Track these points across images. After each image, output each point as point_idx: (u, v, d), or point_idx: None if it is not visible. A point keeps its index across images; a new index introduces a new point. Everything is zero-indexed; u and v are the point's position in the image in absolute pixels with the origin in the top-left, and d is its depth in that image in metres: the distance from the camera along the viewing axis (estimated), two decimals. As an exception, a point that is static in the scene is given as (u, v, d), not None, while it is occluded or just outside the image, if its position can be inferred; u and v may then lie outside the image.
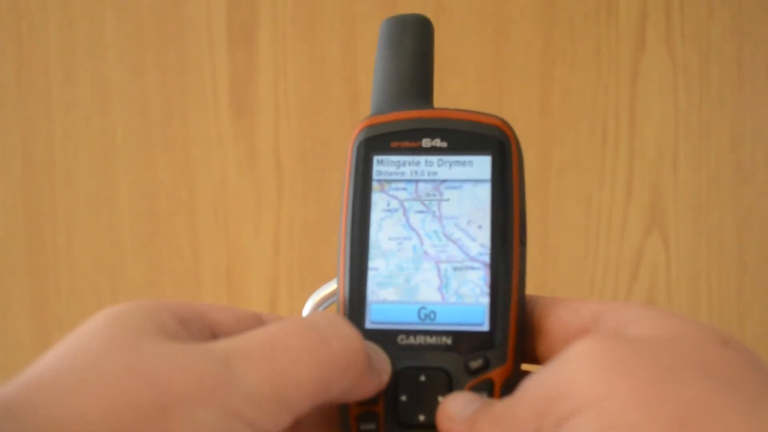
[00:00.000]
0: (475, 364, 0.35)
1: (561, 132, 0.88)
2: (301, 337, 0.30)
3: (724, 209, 0.87)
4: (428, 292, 0.36)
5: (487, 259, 0.36)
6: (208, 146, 0.91)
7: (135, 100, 0.91)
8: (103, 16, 0.91)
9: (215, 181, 0.91)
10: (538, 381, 0.29)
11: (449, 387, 0.34)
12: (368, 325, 0.36)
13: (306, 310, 0.43)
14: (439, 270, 0.36)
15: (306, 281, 0.91)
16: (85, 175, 0.92)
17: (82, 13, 0.91)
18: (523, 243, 0.36)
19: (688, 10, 0.86)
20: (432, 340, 0.35)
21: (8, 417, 0.24)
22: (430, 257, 0.36)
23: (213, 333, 0.33)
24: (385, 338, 0.35)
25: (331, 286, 0.43)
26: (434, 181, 0.37)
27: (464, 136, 0.37)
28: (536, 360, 0.36)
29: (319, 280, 0.90)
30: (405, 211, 0.37)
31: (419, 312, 0.36)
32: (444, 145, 0.37)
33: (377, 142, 0.38)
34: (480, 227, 0.36)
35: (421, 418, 0.34)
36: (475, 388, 0.34)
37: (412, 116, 0.38)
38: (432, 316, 0.36)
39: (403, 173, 0.37)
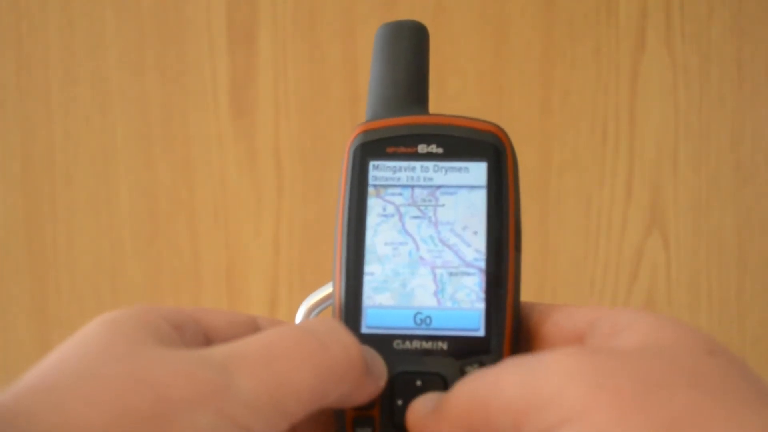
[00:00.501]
0: (470, 369, 0.35)
1: (561, 132, 0.88)
2: (298, 342, 0.30)
3: (724, 209, 0.87)
4: (424, 298, 0.36)
5: (482, 264, 0.36)
6: (208, 146, 0.91)
7: (135, 100, 0.91)
8: (103, 16, 0.91)
9: (215, 181, 0.91)
10: (519, 381, 0.29)
11: (445, 392, 0.34)
12: (364, 329, 0.36)
13: (299, 315, 0.43)
14: (434, 275, 0.36)
15: (306, 281, 0.91)
16: (85, 175, 0.92)
17: (82, 13, 0.91)
18: (518, 249, 0.36)
19: (688, 10, 0.86)
20: (428, 345, 0.35)
21: (5, 423, 0.24)
22: (425, 262, 0.36)
23: (207, 338, 0.33)
24: (380, 343, 0.35)
25: (325, 291, 0.43)
26: (430, 186, 0.37)
27: (460, 142, 0.37)
28: None
29: (319, 280, 0.91)
30: (401, 217, 0.37)
31: (415, 317, 0.36)
32: (440, 151, 0.38)
33: (373, 147, 0.38)
34: (475, 233, 0.36)
35: None
36: None
37: (408, 122, 0.38)
38: (428, 321, 0.36)
39: (399, 179, 0.37)
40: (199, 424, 0.26)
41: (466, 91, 0.88)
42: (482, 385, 0.30)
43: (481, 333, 0.35)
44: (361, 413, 0.35)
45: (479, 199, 0.37)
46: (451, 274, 0.36)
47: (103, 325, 0.30)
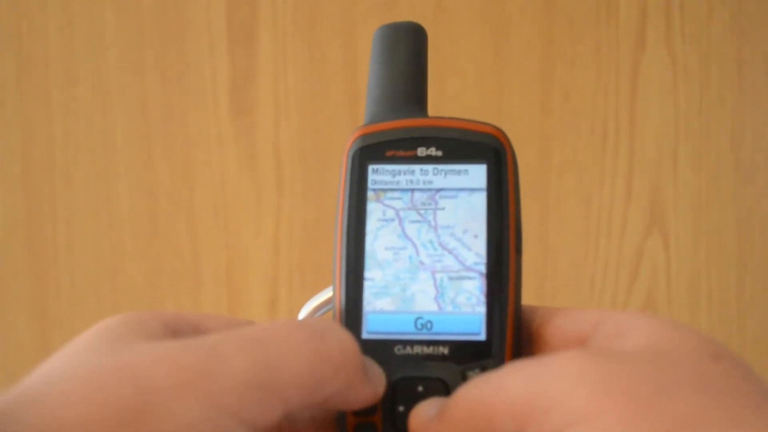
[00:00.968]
0: (472, 374, 0.35)
1: (561, 132, 0.88)
2: (293, 329, 0.30)
3: (724, 209, 0.87)
4: (425, 302, 0.36)
5: (483, 268, 0.36)
6: (208, 146, 0.91)
7: (135, 100, 0.91)
8: (103, 16, 0.91)
9: (215, 181, 0.91)
10: (523, 385, 0.29)
11: (447, 397, 0.34)
12: (364, 335, 0.36)
13: (301, 318, 0.43)
14: (435, 279, 0.36)
15: (306, 281, 0.91)
16: (85, 175, 0.92)
17: (82, 13, 0.91)
18: (519, 251, 0.36)
19: (688, 10, 0.86)
20: (429, 350, 0.35)
21: None
22: (426, 267, 0.36)
23: None
24: (381, 348, 0.35)
25: (326, 294, 0.43)
26: (430, 190, 0.37)
27: (459, 144, 0.37)
28: None
29: (319, 280, 0.91)
30: (400, 221, 0.37)
31: (416, 322, 0.36)
32: (439, 154, 0.37)
33: (372, 151, 0.38)
34: (476, 236, 0.36)
35: None
36: None
37: (407, 125, 0.38)
38: (428, 325, 0.36)
39: (398, 182, 0.37)
40: (185, 412, 0.26)
41: (466, 91, 0.88)
42: (486, 389, 0.30)
43: (483, 337, 0.35)
44: (363, 420, 0.34)
45: (479, 202, 0.37)
46: (451, 278, 0.36)
47: (97, 329, 0.30)
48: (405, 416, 0.34)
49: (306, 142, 0.90)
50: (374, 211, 0.37)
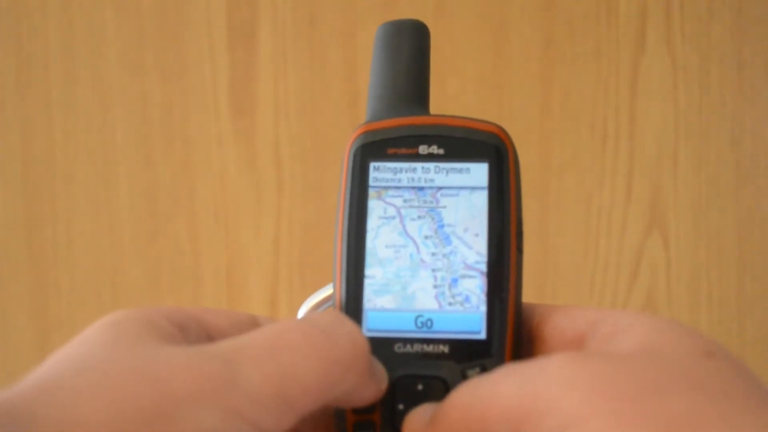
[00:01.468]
0: (472, 372, 0.34)
1: (561, 132, 0.88)
2: (304, 334, 0.30)
3: (724, 209, 0.87)
4: (425, 300, 0.36)
5: (484, 267, 0.36)
6: (208, 146, 0.91)
7: (135, 100, 0.91)
8: (103, 16, 0.91)
9: (215, 181, 0.91)
10: (516, 388, 0.29)
11: (446, 395, 0.34)
12: (365, 332, 0.36)
13: (300, 315, 0.43)
14: (435, 278, 0.36)
15: (306, 281, 0.91)
16: (85, 175, 0.92)
17: (82, 13, 0.91)
18: (520, 250, 0.36)
19: (688, 10, 0.86)
20: (429, 348, 0.35)
21: (9, 422, 0.24)
22: (426, 265, 0.36)
23: (210, 337, 0.33)
24: (381, 346, 0.35)
25: (326, 291, 0.43)
26: (431, 188, 0.37)
27: (461, 143, 0.37)
28: None
29: (319, 280, 0.91)
30: (401, 219, 0.37)
31: (416, 320, 0.36)
32: (441, 152, 0.37)
33: (374, 148, 0.38)
34: (477, 235, 0.36)
35: None
36: None
37: (409, 123, 0.38)
38: (429, 324, 0.36)
39: (399, 180, 0.37)
40: (203, 419, 0.26)
41: (466, 90, 0.88)
42: (479, 393, 0.30)
43: (483, 336, 0.35)
44: (362, 417, 0.34)
45: (481, 201, 0.37)
46: (452, 276, 0.36)
47: (107, 325, 0.30)
48: (404, 414, 0.34)
49: (306, 142, 0.90)
50: (375, 208, 0.37)
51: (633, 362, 0.28)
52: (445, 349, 0.35)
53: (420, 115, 0.39)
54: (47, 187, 0.92)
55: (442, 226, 0.37)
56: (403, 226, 0.37)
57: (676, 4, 0.86)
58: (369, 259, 0.36)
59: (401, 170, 0.37)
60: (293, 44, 0.90)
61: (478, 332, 0.35)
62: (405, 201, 0.37)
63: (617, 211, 0.88)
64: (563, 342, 0.34)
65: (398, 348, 0.35)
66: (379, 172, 0.37)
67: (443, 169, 0.37)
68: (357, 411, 0.34)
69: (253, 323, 0.35)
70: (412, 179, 0.37)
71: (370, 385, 0.32)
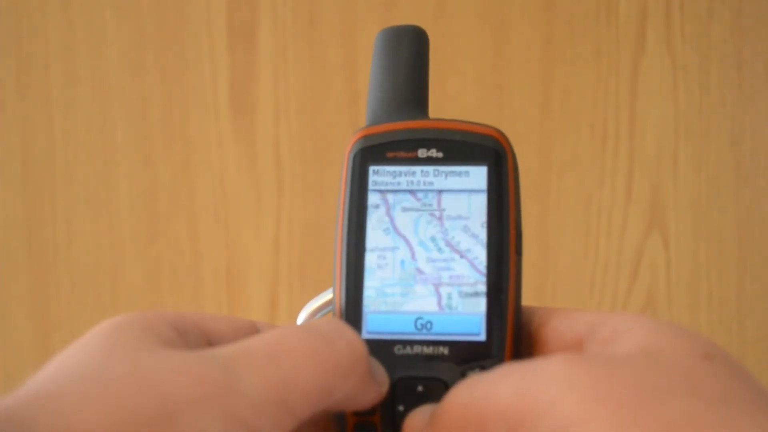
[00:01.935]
0: (472, 374, 0.35)
1: (561, 132, 0.88)
2: (303, 340, 0.30)
3: (724, 209, 0.87)
4: (425, 302, 0.36)
5: (483, 269, 0.36)
6: (208, 146, 0.91)
7: (135, 100, 0.91)
8: (103, 16, 0.91)
9: (215, 181, 0.91)
10: (514, 389, 0.29)
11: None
12: (364, 335, 0.36)
13: (300, 320, 0.43)
14: (435, 280, 0.36)
15: (306, 281, 0.91)
16: (85, 175, 0.92)
17: (82, 13, 0.91)
18: (519, 253, 0.36)
19: (688, 10, 0.86)
20: (429, 350, 0.35)
21: (11, 429, 0.24)
22: (426, 268, 0.36)
23: (210, 342, 0.33)
24: (381, 348, 0.35)
25: (325, 297, 0.43)
26: (430, 191, 0.37)
27: (460, 146, 0.37)
28: None
29: (319, 280, 0.91)
30: (401, 222, 0.37)
31: (416, 322, 0.36)
32: (440, 155, 0.37)
33: (373, 152, 0.38)
34: (476, 237, 0.36)
35: None
36: None
37: (408, 126, 0.38)
38: (428, 326, 0.36)
39: (399, 183, 0.37)
40: (204, 425, 0.26)
41: (466, 91, 0.88)
42: (476, 393, 0.30)
43: (483, 338, 0.35)
44: (362, 419, 0.35)
45: (480, 204, 0.37)
46: (451, 278, 0.36)
47: (106, 330, 0.30)
48: (404, 416, 0.34)
49: (306, 142, 0.90)
50: (375, 211, 0.37)
51: (632, 364, 0.28)
52: (445, 351, 0.35)
53: (419, 118, 0.39)
54: (47, 187, 0.92)
55: (441, 229, 0.37)
56: (403, 229, 0.37)
57: (676, 4, 0.86)
58: (369, 261, 0.37)
59: (400, 173, 0.38)
60: (293, 44, 0.90)
61: (478, 334, 0.35)
62: (404, 204, 0.37)
63: (617, 211, 0.88)
64: (562, 345, 0.34)
65: (398, 350, 0.35)
66: (379, 175, 0.38)
67: (442, 172, 0.37)
68: (357, 413, 0.34)
69: (253, 329, 0.35)
70: (412, 182, 0.37)
71: (370, 388, 0.32)
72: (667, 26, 0.87)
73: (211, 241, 0.91)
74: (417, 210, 0.37)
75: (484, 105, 0.89)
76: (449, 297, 0.36)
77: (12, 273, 0.93)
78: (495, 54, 0.88)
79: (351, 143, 0.38)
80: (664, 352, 0.29)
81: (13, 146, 0.92)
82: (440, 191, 0.37)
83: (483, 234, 0.36)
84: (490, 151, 0.37)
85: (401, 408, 0.34)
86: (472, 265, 0.36)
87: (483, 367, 0.35)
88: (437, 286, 0.36)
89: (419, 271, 0.36)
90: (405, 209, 0.37)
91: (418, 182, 0.37)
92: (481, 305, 0.36)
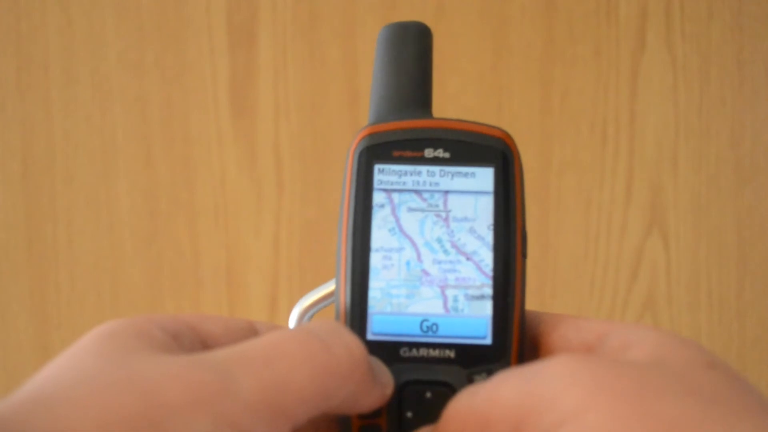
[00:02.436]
0: (479, 378, 0.34)
1: (561, 132, 0.88)
2: (300, 343, 0.29)
3: (724, 209, 0.88)
4: (430, 304, 0.36)
5: (489, 271, 0.36)
6: (208, 146, 0.91)
7: (135, 100, 0.91)
8: (103, 16, 0.91)
9: (215, 181, 0.91)
10: (517, 389, 0.29)
11: None
12: (370, 336, 0.35)
13: (292, 318, 0.43)
14: (441, 282, 0.36)
15: (306, 281, 0.91)
16: (85, 175, 0.92)
17: (82, 13, 0.91)
18: (524, 255, 0.36)
19: (688, 10, 0.86)
20: (435, 352, 0.35)
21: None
22: (432, 269, 0.36)
23: (205, 345, 0.33)
24: (387, 350, 0.35)
25: (318, 293, 0.43)
26: (436, 191, 0.37)
27: (467, 147, 0.37)
28: None
29: (319, 279, 0.90)
30: (407, 222, 0.37)
31: (422, 324, 0.36)
32: (447, 155, 0.37)
33: (379, 150, 0.37)
34: (482, 239, 0.36)
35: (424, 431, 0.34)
36: None
37: (415, 126, 0.38)
38: (434, 328, 0.35)
39: (404, 183, 0.37)
40: (197, 429, 0.26)
41: (466, 91, 0.88)
42: (477, 399, 0.30)
43: (489, 341, 0.35)
44: (368, 422, 0.34)
45: (486, 205, 0.37)
46: (457, 280, 0.36)
47: (99, 335, 0.30)
48: (409, 419, 0.34)
49: (306, 142, 0.90)
50: (380, 211, 0.37)
51: (632, 366, 0.29)
52: (452, 354, 0.35)
53: (423, 117, 0.39)
54: (47, 187, 0.92)
55: (447, 231, 0.37)
56: (408, 230, 0.37)
57: (676, 4, 0.86)
58: (374, 262, 0.36)
59: (406, 173, 0.37)
60: (293, 44, 0.90)
61: (484, 337, 0.35)
62: (410, 204, 0.37)
63: (617, 211, 0.89)
64: (569, 352, 0.34)
65: (404, 352, 0.35)
66: (384, 174, 0.37)
67: (449, 172, 0.37)
68: (362, 416, 0.34)
69: (251, 330, 0.35)
70: (418, 182, 0.37)
71: (372, 391, 0.32)
72: (667, 26, 0.87)
73: (211, 241, 0.91)
74: (423, 210, 0.37)
75: (484, 105, 0.89)
76: (455, 299, 0.36)
77: (12, 273, 0.93)
78: (495, 54, 0.88)
79: (356, 141, 0.38)
80: (669, 358, 0.29)
81: (13, 146, 0.92)
82: (446, 192, 0.37)
83: (489, 237, 0.36)
84: (497, 153, 0.37)
85: (407, 412, 0.34)
86: (479, 268, 0.36)
87: (489, 371, 0.35)
88: (443, 288, 0.36)
89: (425, 272, 0.36)
90: (411, 209, 0.37)
91: (424, 182, 0.37)
92: (487, 308, 0.35)
